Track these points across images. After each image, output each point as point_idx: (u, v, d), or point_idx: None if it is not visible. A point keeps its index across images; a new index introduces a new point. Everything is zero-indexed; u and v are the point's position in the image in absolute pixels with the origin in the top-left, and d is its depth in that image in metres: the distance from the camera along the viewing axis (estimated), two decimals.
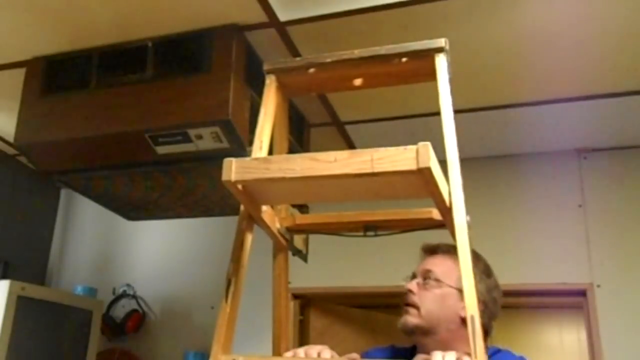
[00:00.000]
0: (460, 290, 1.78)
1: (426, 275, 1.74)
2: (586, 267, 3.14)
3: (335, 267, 3.50)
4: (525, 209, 3.26)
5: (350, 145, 3.40)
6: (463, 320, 1.78)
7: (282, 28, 2.41)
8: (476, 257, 1.91)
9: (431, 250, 1.94)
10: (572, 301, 3.39)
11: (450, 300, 1.74)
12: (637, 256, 3.10)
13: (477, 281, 1.85)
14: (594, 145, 3.32)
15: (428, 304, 1.70)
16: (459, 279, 1.78)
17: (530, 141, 3.31)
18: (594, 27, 2.35)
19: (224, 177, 1.22)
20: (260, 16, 2.33)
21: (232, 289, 1.29)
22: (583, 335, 3.44)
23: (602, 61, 2.57)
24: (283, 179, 1.20)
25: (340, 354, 1.48)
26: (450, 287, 1.77)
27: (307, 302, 3.70)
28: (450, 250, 1.88)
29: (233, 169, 1.21)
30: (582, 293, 3.15)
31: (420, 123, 3.05)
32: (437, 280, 1.74)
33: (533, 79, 2.73)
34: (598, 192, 3.27)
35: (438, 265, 1.83)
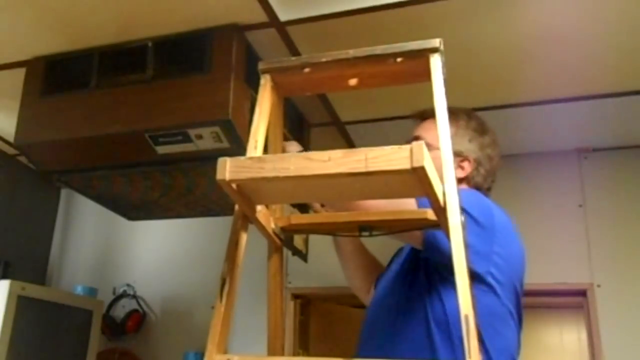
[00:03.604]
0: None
1: None
2: (586, 267, 3.14)
3: (335, 267, 3.49)
4: (525, 209, 3.26)
5: (351, 145, 3.40)
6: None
7: (282, 28, 2.41)
8: (468, 116, 1.97)
9: (420, 116, 1.97)
10: (572, 301, 3.39)
11: (439, 161, 1.78)
12: (637, 256, 3.10)
13: (468, 140, 1.90)
14: (594, 145, 3.32)
15: None
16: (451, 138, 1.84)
17: (530, 141, 3.30)
18: (594, 27, 2.34)
19: (219, 176, 1.22)
20: (260, 16, 2.33)
21: (226, 288, 1.30)
22: (583, 335, 3.45)
23: (602, 61, 2.57)
24: (277, 178, 1.20)
25: (341, 354, 1.47)
26: (439, 149, 1.81)
27: (307, 302, 3.70)
28: None
29: (227, 168, 1.22)
30: (582, 293, 3.15)
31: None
32: (427, 144, 1.74)
33: (533, 79, 2.72)
34: (598, 192, 3.26)
35: (427, 130, 1.88)
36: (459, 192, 1.76)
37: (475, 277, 1.61)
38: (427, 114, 1.93)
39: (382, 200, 1.49)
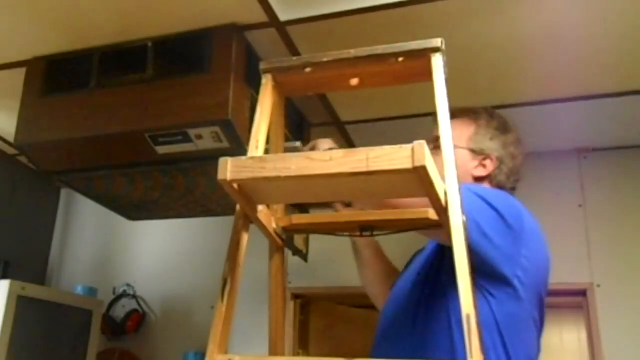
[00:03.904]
0: (471, 150, 1.83)
1: (436, 143, 1.63)
2: (586, 267, 3.14)
3: (335, 267, 3.50)
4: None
5: (351, 145, 3.40)
6: (476, 179, 1.87)
7: (282, 28, 2.41)
8: (490, 115, 1.97)
9: None
10: (572, 301, 3.39)
11: (460, 160, 1.77)
12: (637, 256, 3.10)
13: (490, 138, 1.90)
14: (594, 145, 3.32)
15: (438, 168, 1.63)
16: (470, 139, 1.89)
17: (530, 141, 3.28)
18: (594, 27, 2.34)
19: (220, 176, 1.22)
20: (260, 16, 2.33)
21: (228, 288, 1.29)
22: (583, 335, 3.44)
23: (602, 61, 2.57)
24: (278, 178, 1.20)
25: (340, 354, 1.47)
26: (461, 148, 1.85)
27: (307, 302, 3.70)
28: (463, 113, 1.94)
29: (229, 168, 1.22)
30: (582, 293, 3.15)
31: (421, 123, 3.04)
32: None
33: (533, 78, 2.73)
34: (598, 192, 3.27)
35: None
36: (488, 189, 1.75)
37: (502, 280, 1.60)
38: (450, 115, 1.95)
39: (415, 199, 1.47)
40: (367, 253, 2.17)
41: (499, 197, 1.66)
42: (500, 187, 1.89)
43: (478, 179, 1.87)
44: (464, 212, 1.24)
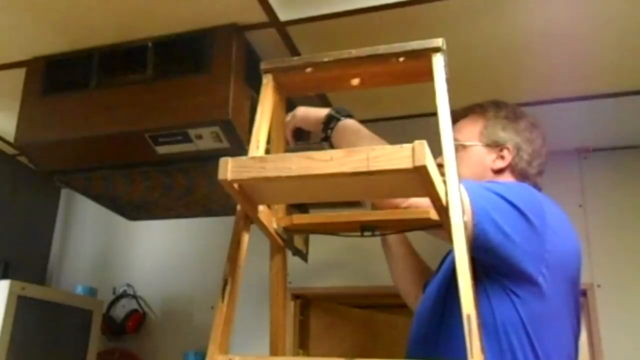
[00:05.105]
0: (486, 145, 1.85)
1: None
2: (586, 267, 3.11)
3: (336, 267, 3.50)
4: None
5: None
6: (496, 172, 1.86)
7: (282, 28, 2.41)
8: (497, 106, 1.97)
9: (452, 119, 1.97)
10: None
11: (477, 157, 1.85)
12: (637, 256, 3.10)
13: (502, 129, 1.91)
14: (594, 145, 3.32)
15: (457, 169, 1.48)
16: (481, 134, 1.89)
17: None
18: (594, 27, 2.34)
19: (220, 176, 1.22)
20: (260, 16, 2.33)
21: (228, 288, 1.30)
22: (583, 335, 3.44)
23: (602, 61, 2.57)
24: (279, 177, 1.20)
25: (340, 354, 1.47)
26: (474, 145, 1.86)
27: (307, 302, 3.69)
28: (469, 110, 1.97)
29: (229, 168, 1.22)
30: (582, 293, 3.14)
31: (420, 123, 3.04)
32: (461, 145, 1.75)
33: (533, 79, 2.72)
34: (598, 192, 3.26)
35: (458, 130, 1.89)
36: (507, 185, 1.74)
37: (526, 279, 1.57)
38: (458, 116, 1.95)
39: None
40: (402, 250, 2.15)
41: (519, 194, 1.63)
42: (523, 175, 1.86)
43: (498, 172, 1.85)
44: (464, 211, 1.24)
